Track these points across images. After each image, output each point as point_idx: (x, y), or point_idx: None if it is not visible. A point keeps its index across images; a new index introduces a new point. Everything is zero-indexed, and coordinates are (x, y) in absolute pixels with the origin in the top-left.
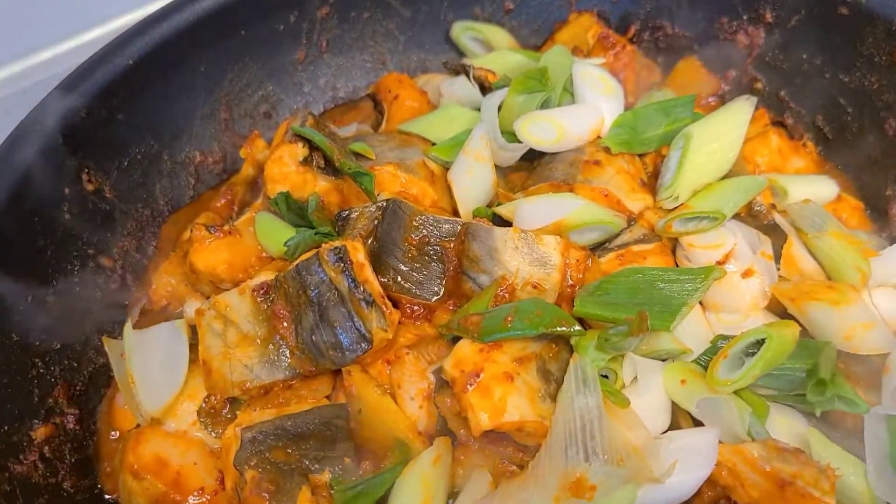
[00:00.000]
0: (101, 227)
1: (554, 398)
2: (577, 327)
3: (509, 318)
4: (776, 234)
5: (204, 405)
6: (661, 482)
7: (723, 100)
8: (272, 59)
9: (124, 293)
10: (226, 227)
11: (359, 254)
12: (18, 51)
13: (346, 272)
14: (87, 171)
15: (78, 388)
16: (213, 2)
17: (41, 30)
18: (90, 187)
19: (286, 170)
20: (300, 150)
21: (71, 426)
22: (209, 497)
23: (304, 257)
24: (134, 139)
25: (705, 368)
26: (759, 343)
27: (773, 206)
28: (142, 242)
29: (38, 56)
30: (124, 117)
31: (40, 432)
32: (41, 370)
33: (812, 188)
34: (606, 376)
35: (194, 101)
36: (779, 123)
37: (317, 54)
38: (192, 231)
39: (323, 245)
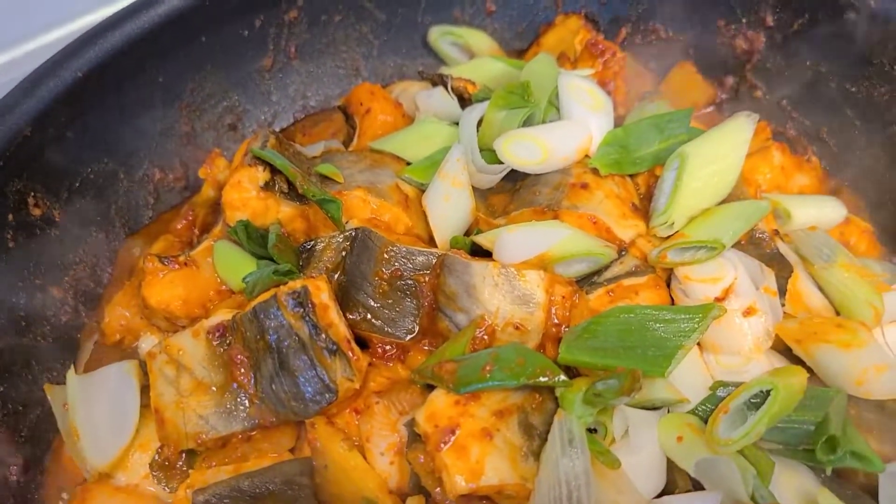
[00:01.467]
0: (50, 254)
1: (537, 456)
2: (562, 377)
3: (488, 368)
4: (780, 265)
5: (157, 457)
6: None
7: (720, 109)
8: (237, 67)
9: (76, 326)
10: (181, 258)
11: (322, 294)
12: None
13: (307, 318)
14: (33, 194)
15: (23, 434)
16: (169, 7)
17: None
18: (37, 212)
19: (246, 195)
20: (261, 174)
21: (14, 478)
22: None
23: (261, 298)
24: (86, 158)
25: (704, 420)
26: (764, 393)
27: (777, 233)
28: (96, 270)
29: None
30: (74, 135)
31: None
32: None
33: (818, 210)
34: (595, 430)
35: (152, 114)
36: (781, 135)
37: (285, 61)
38: (144, 262)
39: (281, 287)
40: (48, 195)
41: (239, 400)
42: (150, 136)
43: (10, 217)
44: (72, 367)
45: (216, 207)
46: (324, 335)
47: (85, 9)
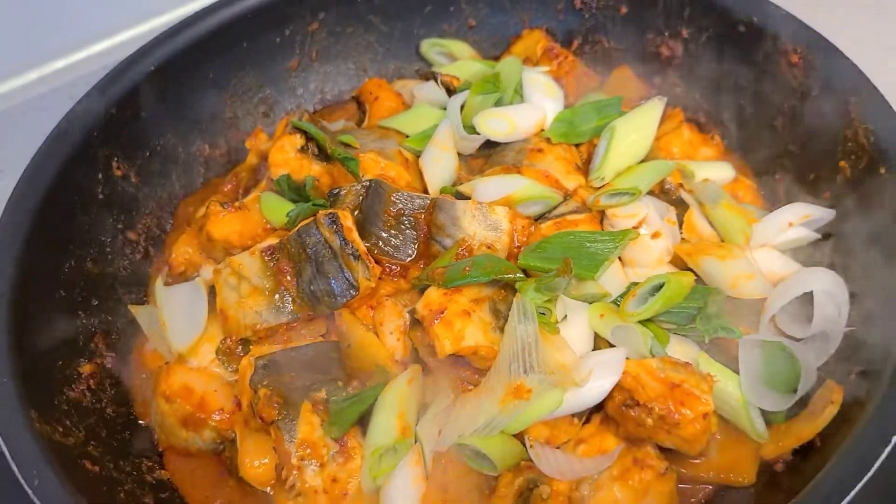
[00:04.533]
0: (127, 206)
1: (502, 330)
2: (520, 274)
3: (467, 269)
4: (682, 207)
5: (221, 345)
6: (581, 387)
7: None
8: (270, 67)
9: (147, 262)
10: (236, 204)
11: (348, 220)
12: (32, 61)
13: (338, 232)
14: (116, 159)
15: (113, 336)
16: (220, 18)
17: (54, 41)
18: (119, 173)
19: (286, 156)
20: (298, 140)
21: (109, 366)
22: (228, 416)
23: (303, 223)
24: (154, 134)
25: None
26: (661, 286)
27: (681, 185)
28: (161, 220)
29: (52, 65)
30: (146, 115)
31: (86, 369)
32: (84, 321)
33: (714, 171)
34: (543, 314)
35: (204, 102)
36: (694, 121)
37: (308, 63)
38: (208, 207)
39: (319, 212)
40: (127, 160)
41: (285, 299)
42: (202, 119)
43: (100, 175)
44: (160, 278)
45: (257, 172)
46: (350, 245)
47: (157, 10)
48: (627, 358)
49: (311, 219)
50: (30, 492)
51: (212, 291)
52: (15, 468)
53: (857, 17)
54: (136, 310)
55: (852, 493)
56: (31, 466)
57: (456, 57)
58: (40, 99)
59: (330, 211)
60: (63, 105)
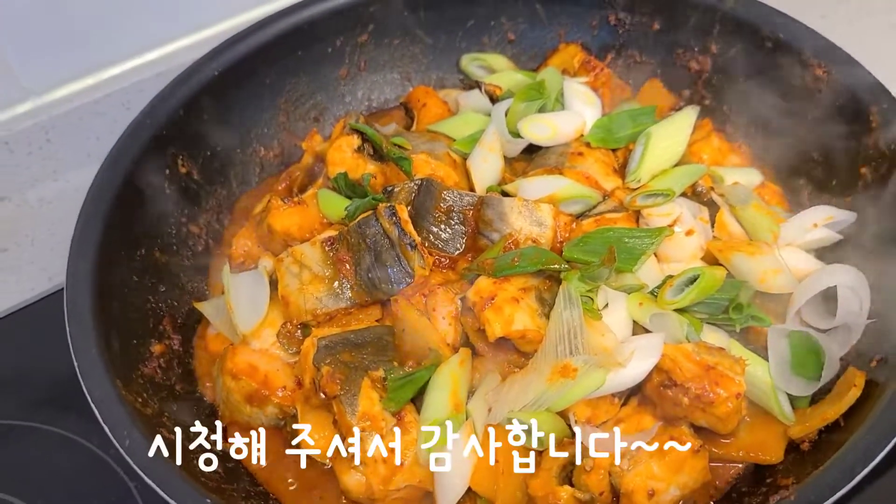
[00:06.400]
0: (190, 202)
1: (548, 317)
2: (566, 265)
3: (515, 260)
4: (712, 208)
5: (282, 329)
6: (623, 367)
7: None
8: (321, 75)
9: (208, 253)
10: (295, 199)
11: (404, 213)
12: (88, 68)
13: (397, 224)
14: (181, 157)
15: (179, 321)
16: (277, 29)
17: (110, 49)
18: (183, 170)
19: (344, 156)
20: (355, 141)
21: (176, 347)
22: (290, 393)
23: (363, 216)
24: (215, 135)
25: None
26: (696, 277)
27: (712, 189)
28: (220, 216)
29: (107, 72)
30: (208, 117)
31: (157, 348)
32: (153, 304)
33: (742, 176)
34: (586, 302)
35: (260, 106)
36: (721, 131)
37: (356, 72)
38: (269, 202)
39: (380, 205)
40: (190, 159)
41: (344, 286)
42: (258, 123)
43: (167, 171)
44: (227, 264)
45: (311, 172)
46: (408, 236)
47: (207, 22)
48: (665, 342)
49: (371, 211)
50: (122, 451)
51: (271, 280)
52: (107, 430)
53: (875, 33)
54: (200, 305)
55: (874, 462)
56: (122, 428)
57: (495, 70)
58: (95, 104)
59: (390, 204)
60: (117, 110)
